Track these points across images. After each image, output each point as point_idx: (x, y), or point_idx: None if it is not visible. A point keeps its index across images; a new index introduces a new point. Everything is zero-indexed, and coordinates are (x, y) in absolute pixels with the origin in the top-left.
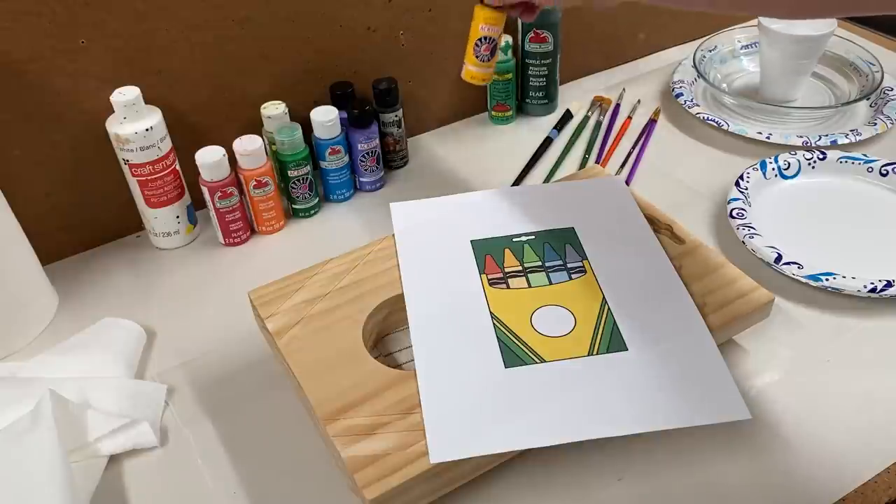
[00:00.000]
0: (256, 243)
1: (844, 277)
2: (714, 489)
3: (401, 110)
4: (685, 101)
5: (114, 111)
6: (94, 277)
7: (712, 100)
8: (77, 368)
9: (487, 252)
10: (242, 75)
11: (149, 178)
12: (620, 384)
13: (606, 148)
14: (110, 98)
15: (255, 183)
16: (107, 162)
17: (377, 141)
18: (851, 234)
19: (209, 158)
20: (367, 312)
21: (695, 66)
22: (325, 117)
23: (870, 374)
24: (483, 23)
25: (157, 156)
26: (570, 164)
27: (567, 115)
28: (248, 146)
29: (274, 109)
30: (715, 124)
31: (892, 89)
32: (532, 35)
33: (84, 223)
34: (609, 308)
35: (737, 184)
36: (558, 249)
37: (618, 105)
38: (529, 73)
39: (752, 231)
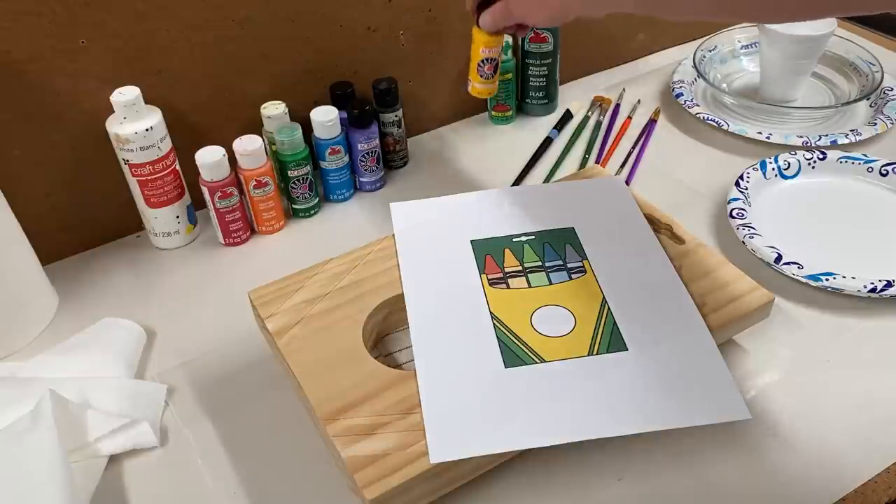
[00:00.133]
0: (256, 243)
1: (844, 277)
2: (714, 489)
3: (401, 110)
4: (685, 101)
5: (114, 111)
6: (94, 277)
7: (712, 100)
8: (77, 368)
9: (487, 252)
10: (242, 75)
11: (149, 178)
12: (620, 384)
13: (606, 148)
14: (110, 98)
15: (255, 183)
16: (107, 162)
17: (377, 141)
18: (851, 234)
19: (209, 158)
20: (367, 312)
21: (695, 66)
22: (325, 117)
23: (870, 374)
24: (483, 46)
25: (157, 156)
26: (570, 164)
27: (567, 115)
28: (248, 146)
29: (274, 109)
30: (715, 124)
31: (892, 89)
32: (532, 35)
33: (84, 223)
34: (609, 308)
35: (737, 184)
36: (558, 249)
37: (618, 105)
38: (529, 73)
39: (752, 231)
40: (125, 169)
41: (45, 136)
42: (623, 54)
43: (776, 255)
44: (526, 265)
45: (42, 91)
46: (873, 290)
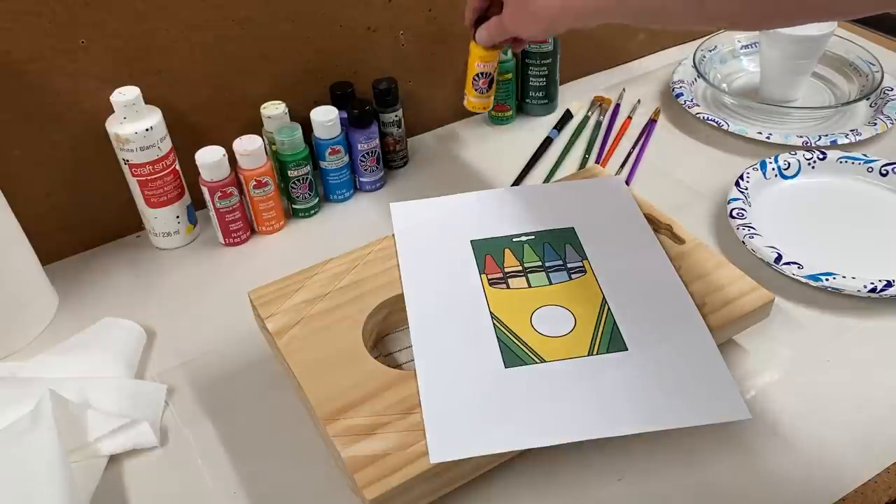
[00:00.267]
0: (256, 243)
1: (844, 277)
2: (714, 489)
3: (401, 110)
4: (685, 101)
5: (114, 111)
6: (94, 277)
7: (712, 100)
8: (77, 368)
9: (487, 252)
10: (242, 75)
11: (149, 178)
12: (620, 384)
13: (606, 148)
14: (110, 98)
15: (255, 183)
16: (107, 162)
17: (377, 141)
18: (851, 234)
19: (209, 158)
20: (367, 312)
21: (695, 66)
22: (325, 117)
23: (870, 374)
24: (479, 60)
25: (157, 156)
26: (570, 164)
27: (567, 115)
28: (248, 146)
29: (274, 109)
30: (715, 124)
31: (892, 89)
32: None
33: (84, 223)
34: (609, 308)
35: (737, 184)
36: (558, 249)
37: (618, 105)
38: (529, 73)
39: (752, 231)
40: (125, 169)
41: (45, 136)
42: (623, 54)
43: (776, 255)
44: (526, 265)
45: (42, 91)
46: (873, 290)
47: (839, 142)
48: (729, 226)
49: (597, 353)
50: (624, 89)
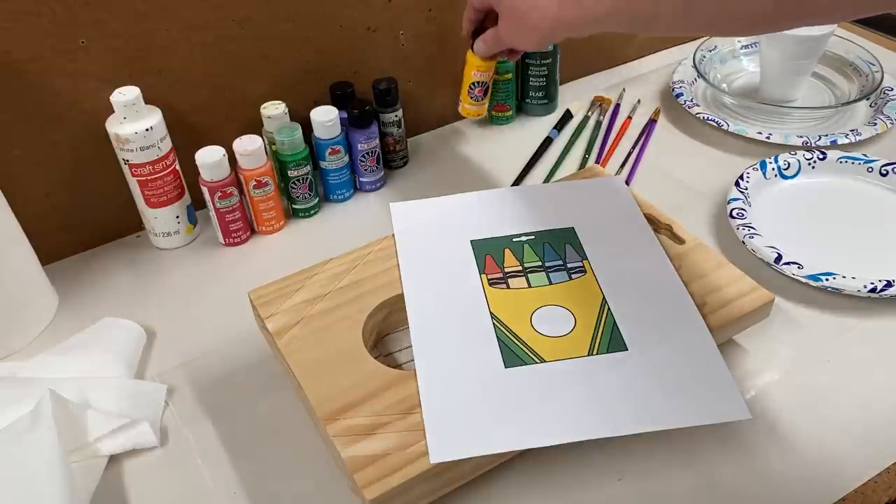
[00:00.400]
0: (256, 243)
1: (844, 277)
2: (714, 489)
3: (401, 110)
4: (685, 101)
5: (114, 111)
6: (94, 277)
7: (712, 100)
8: (77, 368)
9: (487, 252)
10: (242, 75)
11: (149, 178)
12: (620, 384)
13: (606, 148)
14: (110, 98)
15: (255, 183)
16: (107, 162)
17: (377, 141)
18: (851, 234)
19: (209, 158)
20: (367, 312)
21: (695, 66)
22: (325, 117)
23: (870, 374)
24: (475, 70)
25: (157, 156)
26: (570, 164)
27: (567, 115)
28: (248, 146)
29: (274, 109)
30: (715, 124)
31: (892, 89)
32: None
33: (84, 223)
34: (609, 308)
35: (737, 184)
36: (558, 249)
37: (618, 105)
38: (529, 73)
39: (752, 231)
40: (125, 169)
41: (45, 136)
42: (623, 54)
43: (776, 255)
44: (526, 265)
45: (42, 91)
46: (873, 290)
47: (839, 142)
48: (729, 226)
49: (597, 354)
50: (624, 89)
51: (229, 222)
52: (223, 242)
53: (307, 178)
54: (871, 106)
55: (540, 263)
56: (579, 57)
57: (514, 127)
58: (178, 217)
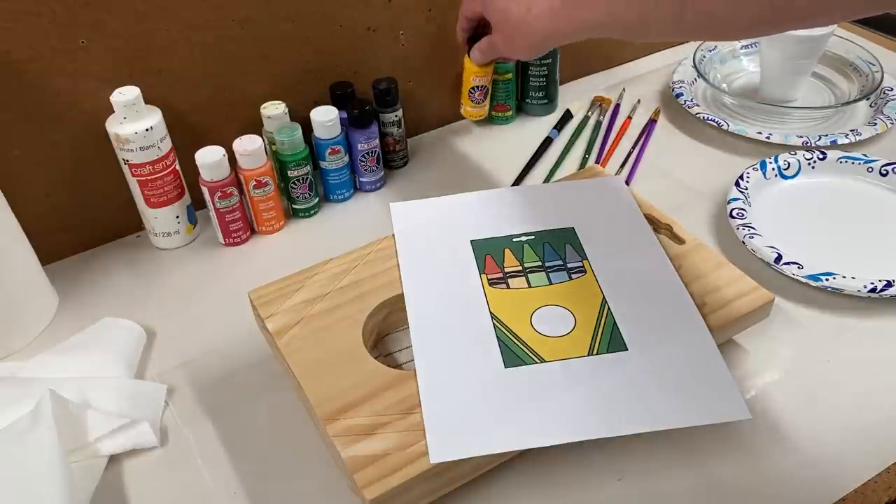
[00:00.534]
0: (256, 243)
1: (844, 277)
2: (714, 489)
3: (401, 110)
4: (685, 101)
5: (114, 111)
6: (94, 277)
7: (712, 100)
8: (77, 368)
9: (487, 252)
10: (242, 75)
11: (149, 178)
12: (620, 384)
13: (606, 148)
14: (110, 98)
15: (255, 183)
16: (107, 162)
17: (377, 141)
18: (851, 234)
19: (209, 158)
20: (367, 312)
21: (695, 66)
22: (325, 117)
23: (870, 374)
24: (474, 75)
25: (157, 156)
26: (570, 164)
27: (567, 115)
28: (248, 146)
29: (274, 109)
30: (715, 124)
31: (892, 89)
32: None
33: (84, 223)
34: (609, 308)
35: (737, 184)
36: (558, 249)
37: (618, 105)
38: (529, 73)
39: (752, 231)
40: (125, 169)
41: (45, 136)
42: (623, 54)
43: (776, 255)
44: (526, 265)
45: (42, 91)
46: (873, 290)
47: (839, 142)
48: (729, 226)
49: (597, 353)
50: (624, 89)
51: (229, 222)
52: (223, 242)
53: (307, 178)
54: (871, 106)
55: (540, 263)
56: (579, 57)
57: (514, 127)
58: (178, 217)
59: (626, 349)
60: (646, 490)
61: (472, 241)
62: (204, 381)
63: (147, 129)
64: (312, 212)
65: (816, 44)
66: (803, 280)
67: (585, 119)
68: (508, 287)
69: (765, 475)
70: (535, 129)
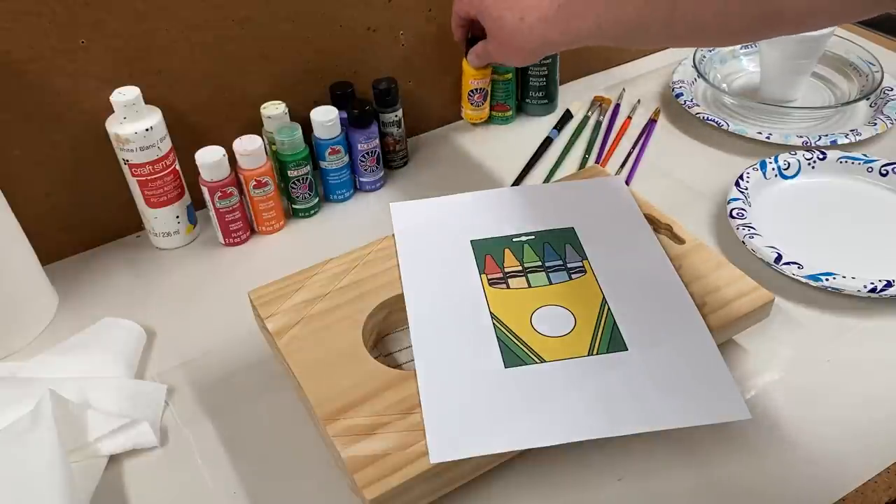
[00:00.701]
0: (256, 243)
1: (844, 277)
2: (714, 489)
3: (401, 110)
4: (685, 101)
5: (114, 111)
6: (94, 277)
7: (712, 100)
8: (77, 368)
9: (487, 252)
10: (242, 75)
11: (149, 178)
12: (620, 384)
13: (606, 148)
14: (110, 98)
15: (255, 183)
16: (107, 162)
17: (377, 141)
18: (851, 234)
19: (209, 158)
20: (367, 312)
21: (695, 66)
22: (325, 117)
23: (870, 374)
24: (472, 78)
25: (157, 156)
26: (570, 164)
27: (567, 115)
28: (248, 146)
29: (274, 109)
30: (715, 124)
31: (892, 89)
32: None
33: (84, 223)
34: (609, 308)
35: (737, 184)
36: (558, 249)
37: (618, 105)
38: (529, 73)
39: (752, 231)
40: (125, 169)
41: (45, 136)
42: (623, 54)
43: (776, 255)
44: (526, 265)
45: (42, 91)
46: (873, 290)
47: (839, 142)
48: (729, 226)
49: (597, 353)
50: (624, 89)
51: (229, 222)
52: (223, 242)
53: (307, 178)
54: (871, 106)
55: (540, 263)
56: (579, 57)
57: (514, 127)
58: (178, 217)
59: (626, 349)
60: (646, 490)
61: (472, 241)
62: (204, 381)
63: (147, 129)
64: (312, 212)
65: (816, 44)
66: (803, 280)
67: (585, 119)
68: (508, 287)
69: (765, 475)
70: (535, 129)
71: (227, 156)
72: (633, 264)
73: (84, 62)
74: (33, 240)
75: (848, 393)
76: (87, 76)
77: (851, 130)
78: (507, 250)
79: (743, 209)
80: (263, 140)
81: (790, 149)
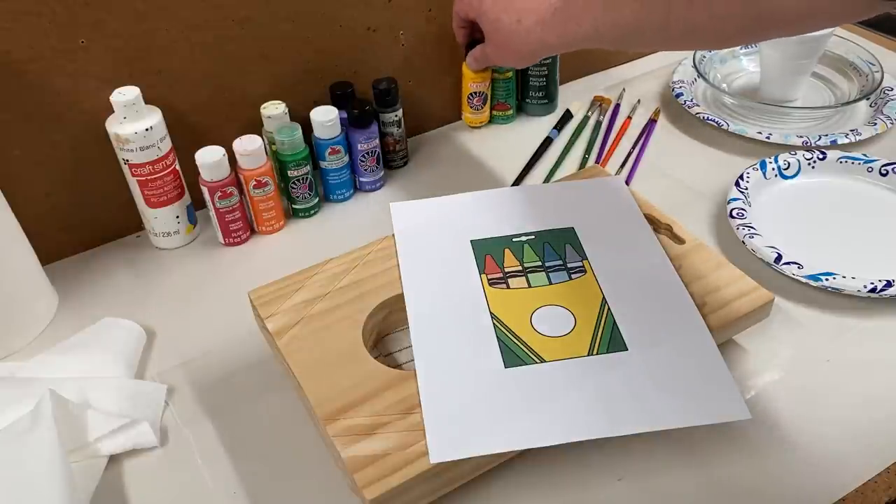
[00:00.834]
0: (256, 243)
1: (844, 277)
2: (714, 489)
3: (401, 110)
4: (685, 101)
5: (114, 111)
6: (94, 277)
7: (712, 100)
8: (77, 368)
9: (487, 252)
10: (242, 75)
11: (149, 178)
12: (620, 384)
13: (606, 148)
14: (110, 98)
15: (255, 183)
16: (107, 162)
17: (377, 141)
18: (851, 234)
19: (209, 158)
20: (367, 312)
21: (695, 66)
22: (325, 117)
23: (870, 374)
24: (471, 81)
25: (157, 156)
26: (570, 164)
27: (567, 115)
28: (248, 146)
29: (274, 109)
30: (715, 124)
31: (892, 89)
32: None
33: (84, 223)
34: (609, 308)
35: (737, 184)
36: (558, 249)
37: (618, 105)
38: (529, 72)
39: (752, 231)
40: (125, 169)
41: (45, 136)
42: (623, 54)
43: (776, 255)
44: (526, 265)
45: (42, 91)
46: (873, 290)
47: (839, 142)
48: (729, 226)
49: (597, 353)
50: (624, 89)
51: (229, 222)
52: (223, 242)
53: (307, 178)
54: (871, 106)
55: (540, 263)
56: (579, 57)
57: (514, 127)
58: (178, 217)
59: (626, 349)
60: (646, 490)
61: (472, 241)
62: (204, 381)
63: (147, 129)
64: (312, 212)
65: (816, 44)
66: (803, 280)
67: (585, 119)
68: (508, 287)
69: (765, 475)
70: (535, 128)
71: (227, 156)
72: (633, 264)
73: (84, 62)
74: (33, 240)
75: (848, 393)
76: (87, 76)
77: (851, 130)
78: (507, 250)
79: (743, 209)
80: (263, 140)
81: (790, 149)
